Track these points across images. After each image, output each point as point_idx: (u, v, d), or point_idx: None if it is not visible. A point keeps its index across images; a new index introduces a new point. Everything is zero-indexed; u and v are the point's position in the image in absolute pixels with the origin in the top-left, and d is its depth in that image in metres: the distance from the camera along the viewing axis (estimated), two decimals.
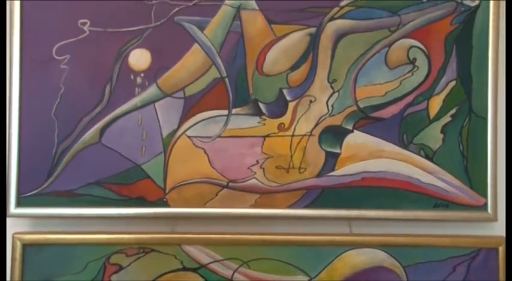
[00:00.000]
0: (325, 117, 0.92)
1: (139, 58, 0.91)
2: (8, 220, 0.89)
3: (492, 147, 0.91)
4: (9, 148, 0.89)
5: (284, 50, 0.92)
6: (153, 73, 0.90)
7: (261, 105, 0.92)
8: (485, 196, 0.92)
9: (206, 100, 0.91)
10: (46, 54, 0.89)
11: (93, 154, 0.90)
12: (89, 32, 0.90)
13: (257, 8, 0.91)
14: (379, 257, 0.92)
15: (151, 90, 0.91)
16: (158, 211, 0.91)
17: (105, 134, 0.90)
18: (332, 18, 0.91)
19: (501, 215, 0.91)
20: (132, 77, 0.90)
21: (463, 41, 0.92)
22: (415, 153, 0.92)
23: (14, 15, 0.89)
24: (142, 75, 0.91)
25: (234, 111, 0.91)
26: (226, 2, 0.91)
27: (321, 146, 0.92)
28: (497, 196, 0.91)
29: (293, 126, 0.92)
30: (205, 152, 0.91)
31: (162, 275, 0.90)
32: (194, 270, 0.91)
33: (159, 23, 0.90)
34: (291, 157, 0.92)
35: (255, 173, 0.91)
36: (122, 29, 0.90)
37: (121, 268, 0.90)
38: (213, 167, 0.91)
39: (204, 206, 0.91)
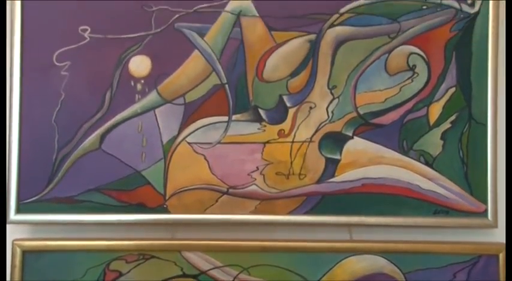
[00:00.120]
0: (325, 124, 0.92)
1: (140, 65, 0.91)
2: (8, 227, 0.89)
3: (492, 153, 0.91)
4: (9, 154, 0.89)
5: (284, 56, 0.92)
6: (153, 80, 0.91)
7: (261, 112, 0.92)
8: (485, 202, 0.92)
9: (206, 106, 0.91)
10: (46, 61, 0.89)
11: (93, 160, 0.90)
12: (90, 39, 0.90)
13: (257, 15, 0.91)
14: (379, 263, 0.92)
15: (152, 97, 0.91)
16: (158, 218, 0.91)
17: (106, 140, 0.90)
18: (332, 25, 0.92)
19: (501, 222, 0.91)
20: (132, 83, 0.91)
21: (463, 47, 0.92)
22: (415, 159, 0.92)
23: (15, 22, 0.89)
24: (142, 81, 0.91)
25: (234, 117, 0.91)
26: (226, 8, 0.91)
27: (321, 153, 0.92)
28: (497, 203, 0.91)
29: (293, 133, 0.92)
30: (205, 159, 0.91)
31: None
32: (194, 277, 0.91)
33: (159, 29, 0.91)
34: (291, 163, 0.92)
35: (255, 179, 0.91)
36: (122, 36, 0.90)
37: (121, 274, 0.90)
38: (213, 174, 0.91)
39: (204, 212, 0.91)
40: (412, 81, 0.92)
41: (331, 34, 0.92)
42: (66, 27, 0.90)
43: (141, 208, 0.90)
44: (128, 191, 0.90)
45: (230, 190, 0.91)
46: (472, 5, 0.92)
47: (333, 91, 0.92)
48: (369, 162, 0.92)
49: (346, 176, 0.92)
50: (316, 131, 0.92)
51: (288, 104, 0.92)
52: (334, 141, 0.92)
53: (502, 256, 0.91)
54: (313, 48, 0.92)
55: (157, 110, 0.91)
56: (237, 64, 0.91)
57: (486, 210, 0.92)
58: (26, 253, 0.89)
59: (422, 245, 0.92)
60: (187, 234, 0.93)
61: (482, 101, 0.92)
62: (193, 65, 0.91)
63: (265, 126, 0.92)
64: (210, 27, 0.91)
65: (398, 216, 0.91)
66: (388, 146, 0.92)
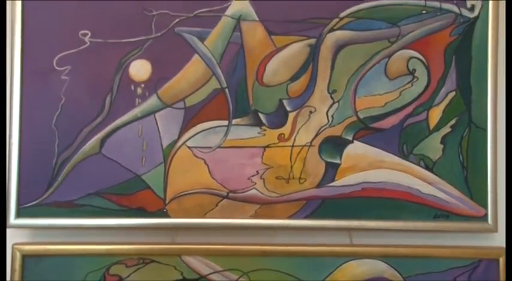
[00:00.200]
0: (325, 128, 0.92)
1: (140, 69, 0.91)
2: (8, 231, 0.89)
3: (492, 158, 0.92)
4: (9, 159, 0.89)
5: (284, 60, 0.92)
6: (153, 84, 0.91)
7: (261, 116, 0.92)
8: (485, 206, 0.92)
9: (206, 111, 0.91)
10: (47, 65, 0.90)
11: (94, 164, 0.90)
12: (90, 43, 0.90)
13: (257, 19, 0.91)
14: (380, 268, 0.92)
15: (152, 101, 0.91)
16: (158, 222, 0.91)
17: (106, 144, 0.90)
18: (332, 29, 0.92)
19: (501, 226, 0.91)
20: (132, 87, 0.91)
21: (463, 52, 0.92)
22: (415, 163, 0.92)
23: (15, 25, 0.89)
24: (142, 85, 0.91)
25: (234, 121, 0.91)
26: (226, 13, 0.91)
27: (321, 157, 0.92)
28: (497, 207, 0.91)
29: (293, 137, 0.92)
30: (205, 163, 0.91)
31: None
32: None
33: (159, 34, 0.91)
34: (291, 167, 0.92)
35: (255, 183, 0.91)
36: (123, 40, 0.90)
37: (121, 279, 0.90)
38: (213, 178, 0.91)
39: (204, 216, 0.91)
40: (412, 85, 0.92)
41: (331, 38, 0.92)
42: (66, 32, 0.90)
43: (141, 212, 0.90)
44: (128, 195, 0.90)
45: (230, 194, 0.91)
46: (472, 9, 0.92)
47: (332, 95, 0.92)
48: (369, 166, 0.92)
49: (346, 181, 0.92)
50: (316, 135, 0.92)
51: (288, 108, 0.92)
52: (334, 145, 0.92)
53: (502, 260, 0.91)
54: (313, 53, 0.92)
55: (157, 114, 0.91)
56: (237, 68, 0.91)
57: (486, 214, 0.92)
58: (26, 257, 0.89)
59: (422, 249, 0.92)
60: (187, 238, 0.93)
61: (482, 105, 0.92)
62: (193, 69, 0.91)
63: (265, 130, 0.92)
64: (210, 31, 0.91)
65: (399, 220, 0.91)
66: (388, 151, 0.92)
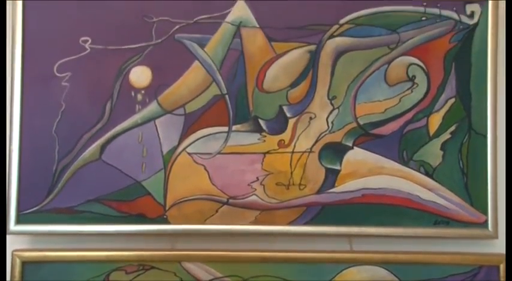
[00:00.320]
0: (325, 134, 0.92)
1: (140, 75, 0.91)
2: (8, 237, 0.89)
3: (492, 164, 0.92)
4: (9, 165, 0.89)
5: (284, 67, 0.92)
6: (153, 90, 0.91)
7: (261, 122, 0.92)
8: (485, 213, 0.92)
9: (206, 117, 0.91)
10: (47, 72, 0.90)
11: (94, 170, 0.90)
12: (90, 50, 0.90)
13: (257, 26, 0.92)
14: (380, 274, 0.92)
15: (152, 107, 0.91)
16: (158, 228, 0.91)
17: (106, 151, 0.90)
18: (332, 36, 0.92)
19: (501, 233, 0.91)
20: (132, 94, 0.91)
21: (462, 58, 0.93)
22: (415, 170, 0.92)
23: (16, 32, 0.89)
24: (142, 92, 0.91)
25: (234, 128, 0.91)
26: (226, 19, 0.91)
27: (321, 163, 0.92)
28: (497, 213, 0.91)
29: (293, 143, 0.92)
30: (205, 169, 0.91)
31: None
32: None
33: (159, 40, 0.91)
34: (291, 173, 0.92)
35: (255, 189, 0.91)
36: (123, 47, 0.91)
37: None
38: (213, 184, 0.91)
39: (204, 222, 0.91)
40: (412, 91, 0.93)
41: (331, 45, 0.92)
42: (67, 38, 0.90)
43: (141, 219, 0.90)
44: (128, 201, 0.90)
45: (230, 200, 0.91)
46: (471, 16, 0.93)
47: (332, 102, 0.92)
48: (369, 172, 0.92)
49: (346, 187, 0.92)
50: (316, 142, 0.92)
51: (288, 115, 0.92)
52: (334, 151, 0.92)
53: (502, 267, 0.90)
54: (313, 59, 0.92)
55: (157, 121, 0.91)
56: (237, 75, 0.92)
57: (486, 221, 0.92)
58: (26, 264, 0.89)
59: (422, 255, 0.92)
60: (187, 244, 0.93)
61: (481, 111, 0.92)
62: (193, 76, 0.91)
63: (265, 136, 0.92)
64: (211, 38, 0.91)
65: (399, 227, 0.91)
66: (388, 157, 0.92)
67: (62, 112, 0.90)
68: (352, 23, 0.92)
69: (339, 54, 0.92)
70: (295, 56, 0.92)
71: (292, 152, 0.92)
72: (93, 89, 0.90)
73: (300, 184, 0.92)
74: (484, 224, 0.92)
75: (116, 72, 0.90)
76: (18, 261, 0.88)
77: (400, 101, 0.92)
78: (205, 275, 0.91)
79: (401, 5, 0.92)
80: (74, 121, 0.90)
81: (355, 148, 0.92)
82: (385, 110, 0.92)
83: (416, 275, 0.91)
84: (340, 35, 0.92)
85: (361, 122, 0.92)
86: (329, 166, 0.92)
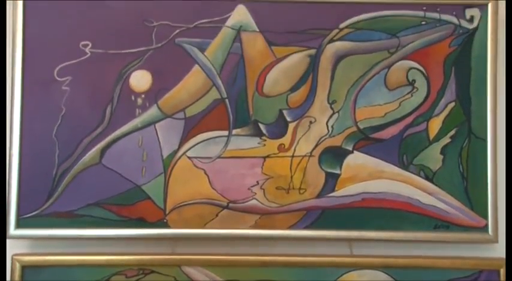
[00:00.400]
0: (325, 138, 0.92)
1: (140, 79, 0.91)
2: (8, 242, 0.89)
3: (492, 168, 0.92)
4: (9, 169, 0.89)
5: (284, 71, 0.92)
6: (153, 94, 0.91)
7: (261, 126, 0.92)
8: (485, 217, 0.92)
9: (206, 121, 0.91)
10: (47, 76, 0.90)
11: (94, 174, 0.90)
12: (91, 54, 0.90)
13: (257, 30, 0.92)
14: (380, 278, 0.92)
15: (152, 111, 0.91)
16: (158, 232, 0.91)
17: (106, 155, 0.90)
18: (332, 40, 0.92)
19: (502, 237, 0.91)
20: (132, 98, 0.91)
21: (462, 62, 0.93)
22: (415, 174, 0.92)
23: (17, 37, 0.90)
24: (143, 96, 0.91)
25: (234, 132, 0.91)
26: (226, 24, 0.92)
27: (321, 167, 0.92)
28: (497, 217, 0.91)
29: (293, 147, 0.92)
30: (205, 173, 0.91)
31: None
32: None
33: (160, 44, 0.91)
34: (291, 177, 0.92)
35: (255, 193, 0.91)
36: (123, 51, 0.91)
37: None
38: (213, 188, 0.91)
39: (204, 227, 0.91)
40: (412, 96, 0.93)
41: (331, 49, 0.92)
42: (67, 43, 0.90)
43: (141, 223, 0.90)
44: (128, 205, 0.90)
45: (230, 205, 0.91)
46: (471, 20, 0.93)
47: (332, 106, 0.92)
48: (369, 176, 0.92)
49: (346, 191, 0.92)
50: (316, 146, 0.92)
51: (288, 119, 0.92)
52: (334, 155, 0.92)
53: (502, 271, 0.90)
54: (313, 63, 0.92)
55: (157, 125, 0.91)
56: (237, 79, 0.92)
57: (486, 225, 0.92)
58: (26, 268, 0.89)
59: (422, 260, 0.92)
60: (187, 249, 0.93)
61: (481, 115, 0.92)
62: (193, 80, 0.91)
63: (265, 140, 0.92)
64: (211, 42, 0.92)
65: (399, 231, 0.91)
66: (388, 161, 0.92)
67: (62, 116, 0.90)
68: (352, 27, 0.92)
69: (339, 58, 0.92)
70: (295, 60, 0.92)
71: (292, 156, 0.92)
72: (93, 93, 0.90)
73: (300, 188, 0.92)
74: (484, 229, 0.92)
75: (116, 77, 0.91)
76: (18, 265, 0.88)
77: (400, 105, 0.93)
78: (205, 280, 0.91)
79: (401, 9, 0.92)
80: (74, 125, 0.90)
81: (355, 152, 0.92)
82: (385, 114, 0.92)
83: (416, 280, 0.91)
84: (340, 39, 0.92)
85: (361, 126, 0.92)
86: (329, 170, 0.92)
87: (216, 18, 0.91)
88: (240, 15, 0.92)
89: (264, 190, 0.91)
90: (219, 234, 0.91)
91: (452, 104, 0.93)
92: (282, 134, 0.92)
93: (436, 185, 0.92)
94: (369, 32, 0.92)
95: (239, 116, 0.92)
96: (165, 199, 0.91)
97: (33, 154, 0.89)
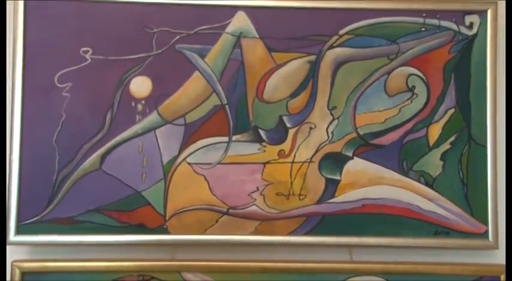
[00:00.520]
0: (325, 144, 0.92)
1: (141, 85, 0.91)
2: (8, 248, 0.89)
3: (492, 174, 0.92)
4: (9, 175, 0.89)
5: (284, 77, 0.92)
6: (154, 100, 0.91)
7: (261, 132, 0.92)
8: (486, 223, 0.92)
9: (206, 127, 0.92)
10: (48, 82, 0.90)
11: (94, 180, 0.90)
12: (91, 60, 0.91)
13: (257, 36, 0.92)
14: None
15: (152, 117, 0.91)
16: (158, 238, 0.90)
17: (106, 161, 0.90)
18: (331, 46, 0.92)
19: (502, 243, 0.91)
20: (133, 104, 0.91)
21: (462, 69, 0.93)
22: (415, 180, 0.92)
23: (17, 43, 0.90)
24: (143, 102, 0.91)
25: (234, 138, 0.92)
26: (226, 30, 0.92)
27: (321, 173, 0.92)
28: (498, 224, 0.91)
29: (293, 153, 0.92)
30: (205, 179, 0.91)
31: None
32: None
33: (160, 51, 0.91)
34: (291, 183, 0.92)
35: (255, 199, 0.91)
36: (124, 57, 0.91)
37: None
38: (213, 194, 0.91)
39: (204, 233, 0.91)
40: (412, 102, 0.93)
41: (331, 55, 0.92)
42: (67, 49, 0.90)
43: (141, 229, 0.90)
44: (128, 211, 0.90)
45: (230, 211, 0.91)
46: (470, 27, 0.93)
47: (332, 112, 0.92)
48: (369, 182, 0.92)
49: (346, 197, 0.92)
50: (316, 152, 0.92)
51: (288, 125, 0.92)
52: (334, 161, 0.92)
53: (503, 278, 0.90)
54: (313, 69, 0.92)
55: (157, 131, 0.91)
56: (237, 85, 0.92)
57: (487, 231, 0.92)
58: (25, 275, 0.88)
59: (422, 266, 0.91)
60: (187, 255, 0.93)
61: (481, 122, 0.92)
62: (193, 86, 0.92)
63: (265, 146, 0.92)
64: (211, 48, 0.92)
65: (399, 237, 0.91)
66: (388, 167, 0.92)
67: (62, 122, 0.90)
68: (351, 33, 0.92)
69: (339, 64, 0.92)
70: (295, 67, 0.92)
71: (292, 162, 0.92)
72: (93, 100, 0.90)
73: (300, 194, 0.92)
74: (485, 235, 0.92)
75: (116, 83, 0.91)
76: (17, 272, 0.88)
77: (399, 111, 0.93)
78: None
79: (400, 15, 0.92)
80: (75, 131, 0.90)
81: (355, 158, 0.92)
82: (385, 120, 0.93)
83: None
84: (340, 45, 0.92)
85: (361, 132, 0.92)
86: (329, 176, 0.92)
87: (216, 25, 0.92)
88: (240, 21, 0.92)
89: (264, 196, 0.92)
90: (219, 240, 0.91)
91: (452, 110, 0.93)
92: (282, 140, 0.92)
93: (436, 191, 0.92)
94: (368, 38, 0.92)
95: (239, 122, 0.92)
96: (165, 205, 0.91)
97: (33, 159, 0.89)
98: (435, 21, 0.93)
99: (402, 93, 0.93)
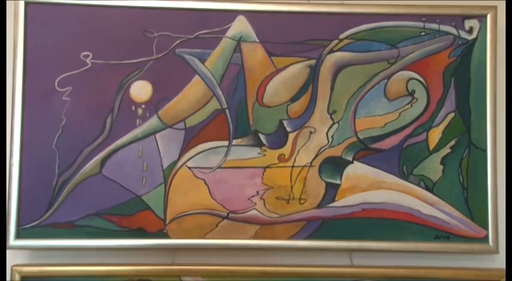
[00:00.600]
0: (325, 148, 0.92)
1: (141, 90, 0.91)
2: (7, 252, 0.89)
3: (492, 178, 0.92)
4: (9, 179, 0.89)
5: (284, 81, 0.92)
6: (154, 104, 0.91)
7: (261, 137, 0.92)
8: (486, 228, 0.92)
9: (207, 131, 0.92)
10: (48, 86, 0.90)
11: (94, 185, 0.90)
12: (91, 64, 0.91)
13: (257, 41, 0.92)
14: None
15: (152, 122, 0.91)
16: (158, 243, 0.90)
17: (106, 165, 0.90)
18: (331, 51, 0.92)
19: (502, 248, 0.91)
20: (133, 108, 0.91)
21: (461, 73, 0.93)
22: (415, 184, 0.92)
23: (18, 47, 0.90)
24: (143, 106, 0.91)
25: (234, 142, 0.92)
26: (227, 34, 0.92)
27: (321, 177, 0.92)
28: (498, 228, 0.91)
29: (293, 157, 0.92)
30: (205, 183, 0.91)
31: None
32: None
33: (160, 55, 0.91)
34: (291, 187, 0.92)
35: (255, 204, 0.91)
36: (124, 61, 0.91)
37: None
38: (213, 198, 0.91)
39: (204, 237, 0.91)
40: (412, 106, 0.93)
41: (331, 60, 0.92)
42: (68, 53, 0.90)
43: (141, 233, 0.90)
44: (128, 216, 0.90)
45: (230, 215, 0.91)
46: (470, 31, 0.93)
47: (332, 116, 0.92)
48: (369, 187, 0.92)
49: (346, 201, 0.92)
50: (316, 156, 0.92)
51: (288, 129, 0.92)
52: (334, 166, 0.92)
53: None
54: (313, 74, 0.92)
55: (157, 135, 0.91)
56: (237, 89, 0.92)
57: (487, 235, 0.91)
58: (25, 279, 0.88)
59: (423, 270, 0.91)
60: (188, 259, 0.93)
61: (481, 126, 0.92)
62: (194, 90, 0.92)
63: (265, 150, 0.92)
64: (211, 52, 0.92)
65: (399, 241, 0.91)
66: (388, 171, 0.92)
67: (62, 127, 0.90)
68: (351, 38, 0.93)
69: (339, 68, 0.93)
70: (295, 71, 0.93)
71: (292, 166, 0.92)
72: (93, 104, 0.90)
73: (300, 198, 0.92)
74: (485, 239, 0.92)
75: (116, 87, 0.91)
76: (17, 276, 0.88)
77: (400, 115, 0.93)
78: None
79: (400, 20, 0.93)
80: (75, 135, 0.90)
81: (355, 162, 0.92)
82: (385, 124, 0.93)
83: None
84: (339, 49, 0.93)
85: (361, 137, 0.92)
86: (329, 180, 0.92)
87: (216, 29, 0.92)
88: (240, 25, 0.92)
89: (264, 200, 0.91)
90: (219, 244, 0.91)
91: (452, 114, 0.93)
92: (282, 144, 0.92)
93: (436, 195, 0.92)
94: (368, 42, 0.93)
95: (239, 126, 0.92)
96: (165, 209, 0.91)
97: (33, 164, 0.89)
98: (435, 26, 0.93)
99: (402, 97, 0.93)
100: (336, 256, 0.94)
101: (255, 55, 0.92)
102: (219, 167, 0.91)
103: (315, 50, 0.92)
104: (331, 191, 0.92)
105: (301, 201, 0.92)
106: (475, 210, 0.92)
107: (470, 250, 0.92)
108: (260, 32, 0.92)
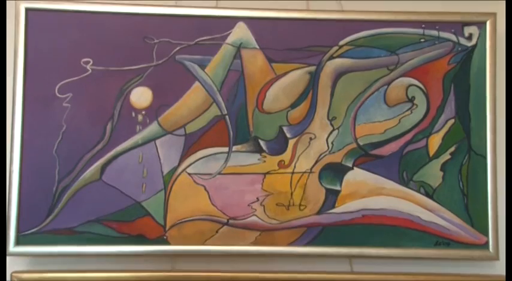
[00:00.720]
0: (325, 155, 0.92)
1: (141, 96, 0.92)
2: (7, 259, 0.89)
3: (492, 185, 0.92)
4: (9, 186, 0.89)
5: (284, 88, 0.93)
6: (154, 111, 0.91)
7: (261, 143, 0.92)
8: (486, 234, 0.91)
9: (207, 137, 0.92)
10: (49, 93, 0.90)
11: (94, 191, 0.90)
12: (92, 71, 0.91)
13: (257, 47, 0.92)
14: None
15: (152, 128, 0.91)
16: (158, 249, 0.90)
17: (106, 171, 0.90)
18: (331, 57, 0.93)
19: (502, 254, 0.91)
20: (133, 114, 0.91)
21: (461, 80, 0.93)
22: (415, 190, 0.92)
23: (18, 53, 0.90)
24: (143, 112, 0.91)
25: (234, 148, 0.92)
26: (227, 41, 0.92)
27: (321, 184, 0.92)
28: (498, 235, 0.91)
29: (293, 164, 0.92)
30: (205, 189, 0.91)
31: None
32: None
33: (160, 61, 0.92)
34: (291, 194, 0.92)
35: (255, 210, 0.91)
36: (124, 68, 0.91)
37: None
38: (213, 205, 0.91)
39: (204, 243, 0.91)
40: (411, 112, 0.93)
41: (331, 66, 0.93)
42: (68, 60, 0.91)
43: (141, 239, 0.90)
44: (128, 222, 0.90)
45: (230, 221, 0.91)
46: (470, 38, 0.93)
47: (332, 122, 0.92)
48: (369, 193, 0.92)
49: (346, 207, 0.92)
50: (316, 162, 0.92)
51: (288, 135, 0.92)
52: (334, 172, 0.92)
53: None
54: (313, 80, 0.93)
55: (158, 141, 0.91)
56: (237, 95, 0.92)
57: (487, 242, 0.91)
58: None
59: (423, 277, 0.91)
60: (187, 265, 0.93)
61: (481, 132, 0.93)
62: (194, 97, 0.92)
63: (265, 157, 0.92)
64: (211, 59, 0.92)
65: (399, 247, 0.91)
66: (388, 177, 0.92)
67: (62, 133, 0.90)
68: (351, 44, 0.93)
69: (339, 75, 0.93)
70: (295, 77, 0.93)
71: (293, 172, 0.92)
72: (94, 110, 0.91)
73: (300, 205, 0.92)
74: (485, 246, 0.91)
75: (116, 93, 0.91)
76: None
77: (399, 121, 0.93)
78: None
79: (400, 27, 0.93)
80: (75, 142, 0.90)
81: (355, 168, 0.92)
82: (385, 130, 0.93)
83: None
84: (339, 56, 0.93)
85: (361, 143, 0.92)
86: (329, 187, 0.92)
87: (216, 36, 0.92)
88: (240, 32, 0.92)
89: (264, 206, 0.91)
90: (219, 251, 0.91)
91: (452, 120, 0.93)
92: (282, 150, 0.92)
93: (436, 201, 0.92)
94: (368, 49, 0.93)
95: (239, 132, 0.92)
96: (165, 216, 0.91)
97: (33, 170, 0.89)
98: (434, 33, 0.93)
99: (402, 103, 0.93)
100: (336, 262, 0.94)
101: (255, 61, 0.92)
102: (219, 173, 0.91)
103: (315, 57, 0.93)
104: (331, 197, 0.92)
105: (301, 207, 0.92)
106: (475, 216, 0.92)
107: (470, 257, 0.92)
108: (260, 38, 0.92)
